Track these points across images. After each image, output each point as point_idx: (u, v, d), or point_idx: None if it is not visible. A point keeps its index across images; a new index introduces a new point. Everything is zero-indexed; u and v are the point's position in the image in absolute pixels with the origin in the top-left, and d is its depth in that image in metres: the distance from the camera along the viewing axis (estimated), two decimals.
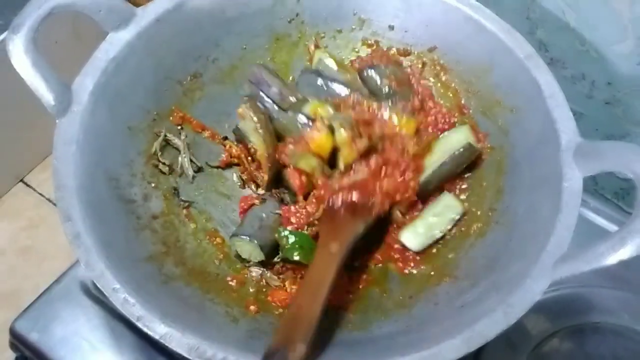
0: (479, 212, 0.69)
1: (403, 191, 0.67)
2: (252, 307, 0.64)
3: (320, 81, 0.73)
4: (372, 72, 0.74)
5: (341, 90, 0.73)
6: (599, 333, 0.73)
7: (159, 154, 0.70)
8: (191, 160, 0.72)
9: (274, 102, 0.72)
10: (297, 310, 0.55)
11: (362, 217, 0.64)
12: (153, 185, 0.69)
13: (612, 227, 0.81)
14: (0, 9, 1.19)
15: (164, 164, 0.70)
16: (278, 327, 0.51)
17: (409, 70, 0.77)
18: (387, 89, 0.74)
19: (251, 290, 0.66)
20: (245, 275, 0.67)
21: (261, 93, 0.73)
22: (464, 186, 0.72)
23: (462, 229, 0.69)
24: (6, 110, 1.27)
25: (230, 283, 0.66)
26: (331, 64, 0.75)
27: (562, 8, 0.77)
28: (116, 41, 0.66)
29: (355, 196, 0.64)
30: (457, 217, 0.69)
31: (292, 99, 0.72)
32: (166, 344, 0.52)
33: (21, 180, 1.35)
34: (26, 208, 1.31)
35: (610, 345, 0.73)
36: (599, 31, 0.77)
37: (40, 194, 1.31)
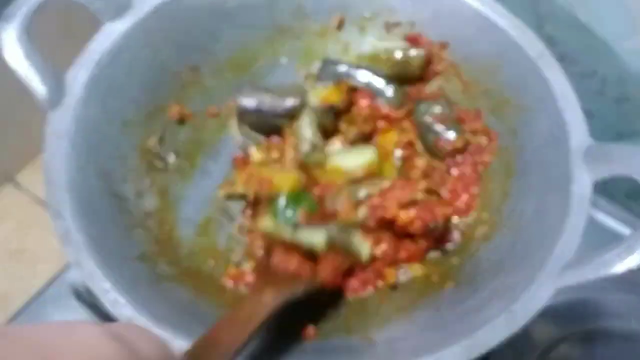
0: (484, 216, 0.67)
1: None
2: None
3: (341, 68, 0.73)
4: (423, 107, 0.72)
5: (364, 76, 0.73)
6: (607, 338, 0.72)
7: (155, 149, 0.68)
8: None
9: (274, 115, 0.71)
10: (217, 334, 0.50)
11: (304, 281, 0.59)
12: (147, 181, 0.67)
13: (623, 230, 0.80)
14: None
15: (159, 159, 0.69)
16: (193, 344, 0.47)
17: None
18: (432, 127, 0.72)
19: (247, 291, 0.65)
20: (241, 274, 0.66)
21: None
22: None
23: (467, 232, 0.67)
24: None
25: (225, 284, 0.65)
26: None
27: (572, 2, 0.76)
28: (111, 32, 0.65)
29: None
30: None
31: (289, 102, 0.71)
32: None
33: (12, 181, 1.33)
34: (17, 209, 1.29)
35: (617, 350, 0.72)
36: (609, 26, 0.75)
37: (32, 195, 1.30)
